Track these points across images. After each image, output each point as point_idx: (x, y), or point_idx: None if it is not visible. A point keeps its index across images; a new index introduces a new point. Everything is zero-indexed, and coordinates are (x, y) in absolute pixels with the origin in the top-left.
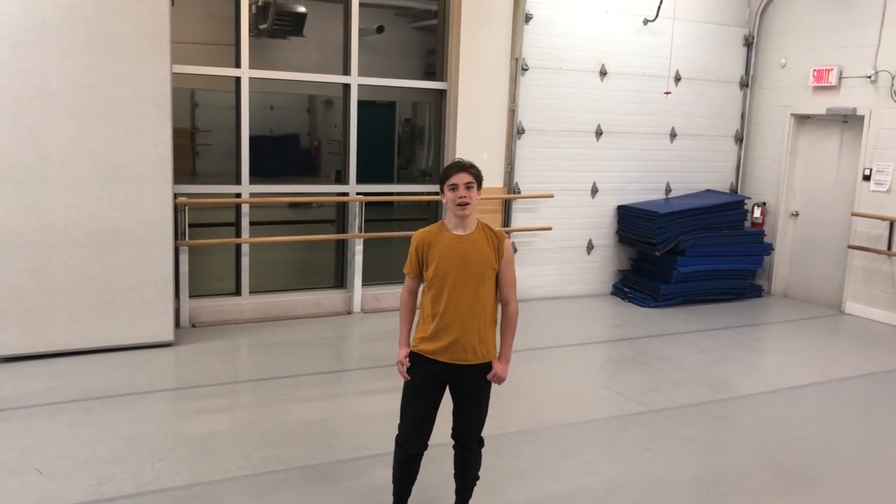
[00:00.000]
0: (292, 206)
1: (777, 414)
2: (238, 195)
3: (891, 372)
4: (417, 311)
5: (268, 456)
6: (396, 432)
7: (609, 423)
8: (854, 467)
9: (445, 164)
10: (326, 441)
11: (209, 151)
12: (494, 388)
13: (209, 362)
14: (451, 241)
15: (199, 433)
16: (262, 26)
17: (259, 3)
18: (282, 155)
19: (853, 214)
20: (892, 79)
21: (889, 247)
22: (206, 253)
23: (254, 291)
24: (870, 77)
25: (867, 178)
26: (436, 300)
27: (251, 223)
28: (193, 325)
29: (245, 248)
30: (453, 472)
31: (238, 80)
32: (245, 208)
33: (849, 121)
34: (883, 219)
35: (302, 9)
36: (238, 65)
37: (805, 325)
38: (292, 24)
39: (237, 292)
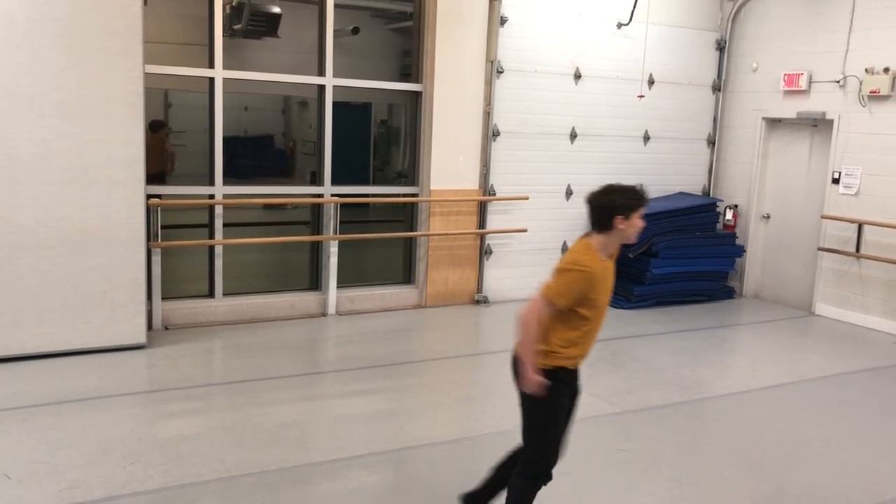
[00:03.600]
0: (267, 207)
1: (749, 414)
2: (211, 196)
3: (860, 372)
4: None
5: (241, 459)
6: (534, 465)
7: (583, 424)
8: (824, 467)
9: (622, 189)
10: (301, 444)
11: (183, 152)
12: (469, 389)
13: (182, 365)
14: (604, 268)
15: (172, 436)
16: (237, 26)
17: (233, 4)
18: (256, 156)
19: (823, 217)
20: (860, 84)
21: (857, 249)
22: (180, 255)
23: (227, 293)
24: (839, 82)
25: (836, 181)
26: (586, 319)
27: (225, 224)
28: (166, 328)
29: (218, 250)
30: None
31: (211, 80)
32: (218, 209)
33: (818, 125)
34: (851, 221)
35: (276, 9)
36: (212, 65)
37: (776, 326)
38: (267, 25)
39: (210, 294)
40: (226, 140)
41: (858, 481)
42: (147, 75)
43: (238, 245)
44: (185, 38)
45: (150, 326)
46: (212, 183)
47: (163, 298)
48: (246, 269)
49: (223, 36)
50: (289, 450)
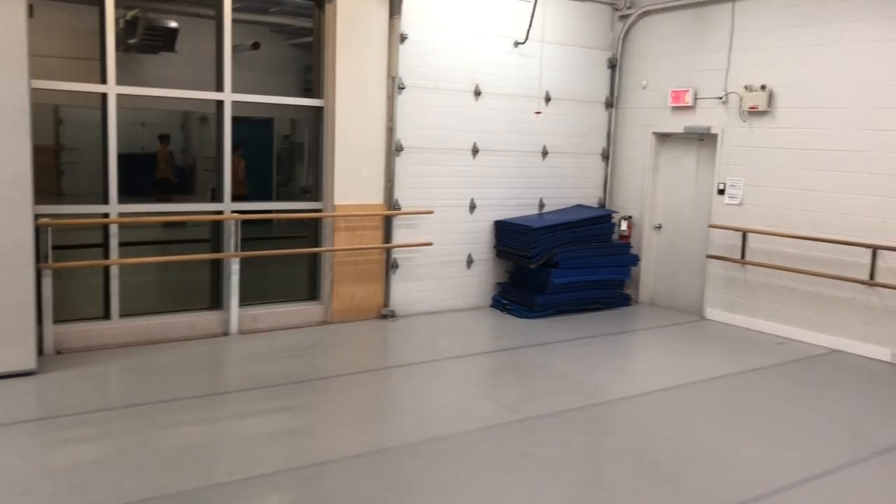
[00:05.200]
0: (166, 225)
1: (646, 416)
2: (106, 215)
3: (748, 372)
4: None
5: (140, 484)
6: None
7: (489, 433)
8: (716, 463)
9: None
10: (203, 466)
11: (75, 170)
12: (376, 403)
13: (76, 390)
14: None
15: (66, 464)
16: (132, 41)
17: (127, 18)
18: (154, 172)
19: (710, 226)
20: (741, 100)
21: (743, 256)
22: (74, 276)
23: (125, 315)
24: (721, 98)
25: (721, 192)
26: None
27: (123, 244)
28: (59, 352)
29: (114, 270)
30: None
31: (104, 96)
32: (114, 228)
33: (704, 139)
34: (736, 230)
35: (173, 24)
36: (104, 80)
37: (670, 330)
38: (163, 40)
39: (106, 316)
40: (122, 157)
41: (747, 475)
42: (34, 90)
43: (134, 264)
44: (77, 53)
45: (40, 351)
46: (106, 201)
47: (55, 322)
48: (144, 289)
49: (117, 51)
50: (190, 473)
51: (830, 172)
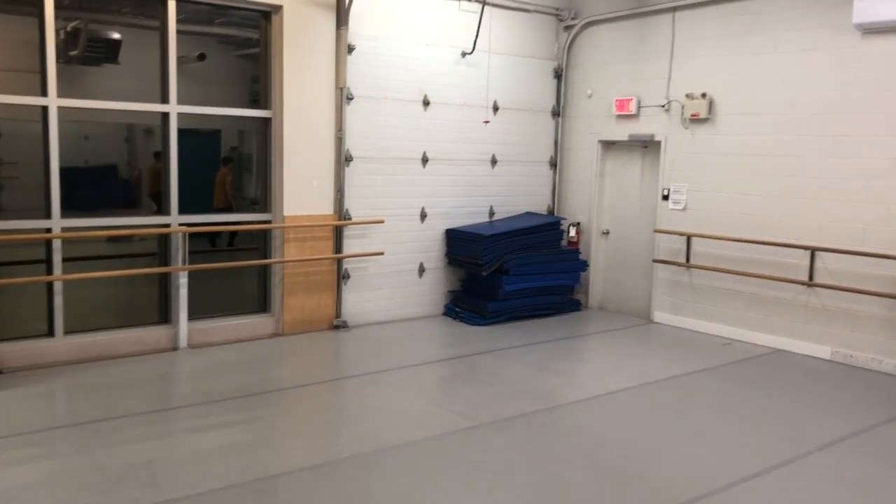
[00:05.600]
0: (111, 239)
1: (596, 419)
2: (48, 230)
3: (694, 373)
4: None
5: (87, 503)
6: None
7: (441, 440)
8: (667, 462)
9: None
10: (153, 482)
11: (16, 185)
12: (329, 414)
13: (18, 410)
14: None
15: (8, 487)
16: (73, 53)
17: (68, 29)
18: (98, 187)
19: (656, 231)
20: (682, 108)
21: (687, 259)
22: (15, 293)
23: (69, 331)
24: (663, 106)
25: (666, 197)
26: None
27: (66, 259)
28: (1, 372)
29: (58, 286)
30: None
31: (45, 109)
32: (57, 244)
33: (648, 146)
34: (681, 234)
35: (116, 35)
36: (45, 93)
37: (619, 334)
38: (106, 51)
39: (50, 333)
40: (65, 171)
41: (696, 473)
42: None
43: (78, 280)
44: (17, 65)
45: None
46: (48, 216)
47: None
48: (90, 305)
49: (58, 63)
50: (140, 490)
51: (769, 177)
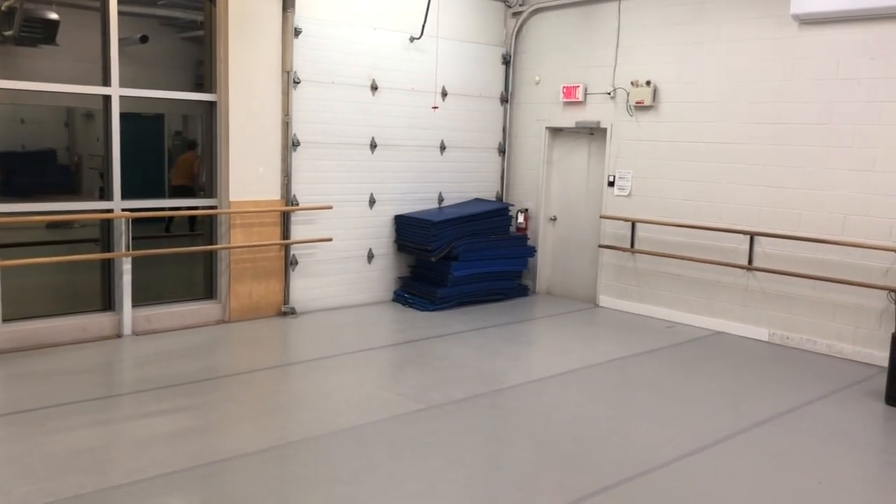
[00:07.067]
0: (51, 226)
1: (542, 400)
2: None
3: (639, 355)
4: None
5: (30, 490)
6: None
7: (390, 423)
8: (611, 441)
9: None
10: (98, 469)
11: None
12: (277, 400)
13: None
14: None
15: None
16: (8, 33)
17: (3, 8)
18: (36, 172)
19: (602, 217)
20: (628, 95)
21: (632, 245)
22: None
23: (7, 319)
24: (609, 94)
25: (611, 184)
26: None
27: (5, 245)
28: None
29: None
30: None
31: None
32: None
33: (594, 133)
34: (626, 220)
35: (53, 15)
36: None
37: (565, 318)
38: (43, 32)
39: None
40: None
41: (639, 451)
42: None
43: (15, 266)
44: None
45: None
46: None
47: None
48: (30, 293)
49: None
50: (85, 476)
51: (711, 164)
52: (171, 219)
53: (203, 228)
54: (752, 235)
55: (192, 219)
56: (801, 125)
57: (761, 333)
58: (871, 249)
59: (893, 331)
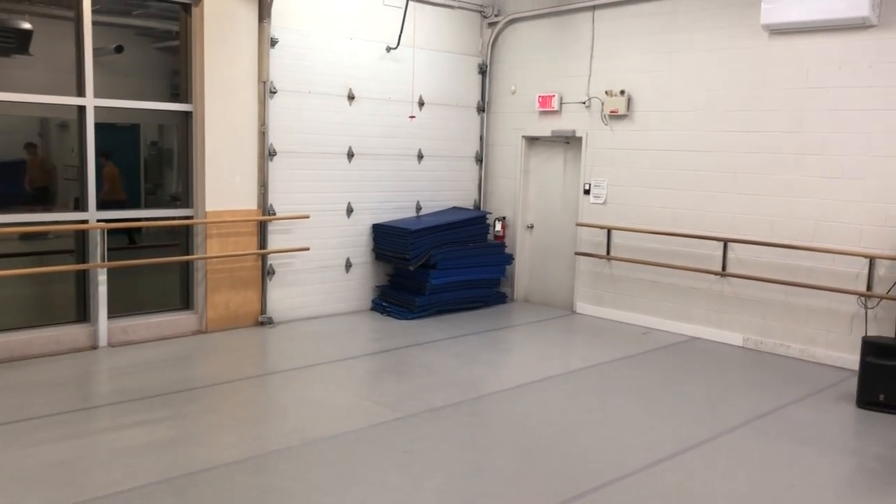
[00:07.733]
0: (24, 237)
1: (521, 407)
2: None
3: (616, 361)
4: None
5: None
6: None
7: (369, 432)
8: (589, 447)
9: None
10: (72, 482)
11: None
12: (255, 410)
13: None
14: None
15: None
16: None
17: None
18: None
19: (578, 224)
20: (602, 105)
21: (608, 252)
22: None
23: None
24: (584, 103)
25: (587, 191)
26: None
27: None
28: None
29: None
30: None
31: None
32: None
33: (570, 142)
34: (602, 227)
35: (27, 25)
36: None
37: (543, 325)
38: (16, 42)
39: None
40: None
41: (617, 456)
42: None
43: None
44: None
45: None
46: None
47: None
48: (2, 304)
49: None
50: (58, 490)
51: (685, 172)
52: (135, 232)
53: (179, 238)
54: (726, 242)
55: (133, 232)
56: (772, 133)
57: (735, 339)
58: (841, 255)
59: (864, 335)
